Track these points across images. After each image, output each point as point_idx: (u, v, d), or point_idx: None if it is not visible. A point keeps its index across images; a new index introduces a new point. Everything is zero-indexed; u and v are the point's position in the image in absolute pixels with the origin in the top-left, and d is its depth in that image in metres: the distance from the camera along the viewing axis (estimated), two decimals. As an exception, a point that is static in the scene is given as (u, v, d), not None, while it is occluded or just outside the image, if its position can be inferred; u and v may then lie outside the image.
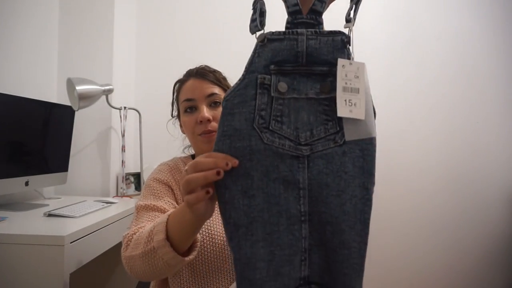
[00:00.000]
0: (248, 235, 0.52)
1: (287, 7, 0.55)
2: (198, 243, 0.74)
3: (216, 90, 0.94)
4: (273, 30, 0.56)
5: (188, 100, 0.94)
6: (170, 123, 1.15)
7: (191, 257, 0.70)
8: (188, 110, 0.94)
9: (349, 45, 0.54)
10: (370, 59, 2.27)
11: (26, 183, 1.51)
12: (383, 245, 2.20)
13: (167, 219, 0.68)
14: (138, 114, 2.05)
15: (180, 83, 1.00)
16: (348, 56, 0.54)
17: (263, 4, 0.58)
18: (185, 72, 1.01)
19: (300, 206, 0.54)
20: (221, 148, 0.54)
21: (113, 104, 1.88)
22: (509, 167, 2.20)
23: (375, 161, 0.55)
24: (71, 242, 1.11)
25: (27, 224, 1.26)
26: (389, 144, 2.20)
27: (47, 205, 1.56)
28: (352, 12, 0.57)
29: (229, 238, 0.54)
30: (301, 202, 0.54)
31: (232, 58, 2.22)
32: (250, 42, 2.25)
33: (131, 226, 0.85)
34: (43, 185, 1.74)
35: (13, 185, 1.45)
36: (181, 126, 1.04)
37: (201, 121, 0.90)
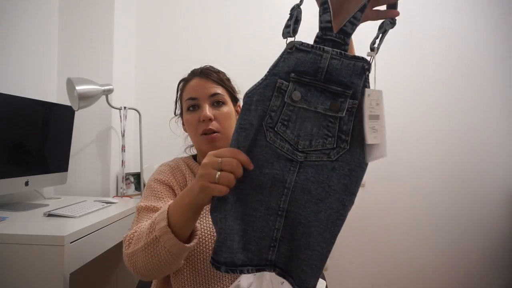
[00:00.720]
0: (232, 211, 0.60)
1: (320, 22, 0.58)
2: (198, 232, 0.75)
3: (219, 90, 0.95)
4: (303, 41, 0.59)
5: (191, 98, 0.94)
6: (172, 121, 1.16)
7: (192, 243, 0.71)
8: (191, 108, 0.94)
9: (369, 72, 0.58)
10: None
11: (26, 183, 1.51)
12: (381, 243, 2.20)
13: (168, 208, 0.70)
14: (138, 114, 2.05)
15: (184, 81, 1.00)
16: (365, 82, 0.58)
17: (300, 12, 0.60)
18: (189, 72, 1.02)
19: (280, 202, 0.60)
20: (238, 139, 0.60)
21: (113, 104, 1.88)
22: (508, 166, 2.20)
23: (359, 184, 0.60)
24: (71, 242, 1.11)
25: (27, 224, 1.26)
26: (388, 143, 2.20)
27: (47, 205, 1.56)
28: (377, 40, 0.60)
29: (217, 210, 0.60)
30: (282, 199, 0.60)
31: (233, 58, 2.23)
32: (250, 42, 2.27)
33: (132, 227, 0.85)
34: (43, 185, 1.74)
35: (13, 185, 1.45)
36: (183, 124, 1.04)
37: (203, 120, 0.91)
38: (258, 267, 0.63)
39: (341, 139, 0.58)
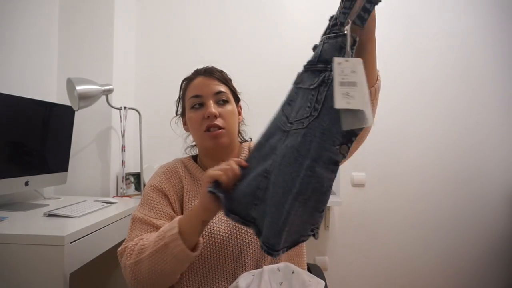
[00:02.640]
0: (243, 175, 0.74)
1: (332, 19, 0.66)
2: (201, 244, 0.80)
3: (223, 88, 0.97)
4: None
5: (196, 96, 0.95)
6: (172, 121, 1.17)
7: (196, 253, 0.78)
8: (196, 106, 0.95)
9: (345, 46, 0.60)
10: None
11: (26, 183, 1.51)
12: (381, 243, 2.20)
13: (178, 219, 0.78)
14: (138, 114, 2.05)
15: (188, 81, 1.01)
16: (343, 55, 0.60)
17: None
18: (192, 71, 1.03)
19: (269, 167, 0.70)
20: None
21: (113, 104, 1.88)
22: (507, 166, 2.20)
23: (324, 152, 0.61)
24: (71, 242, 1.11)
25: (27, 224, 1.26)
26: (387, 143, 2.21)
27: (47, 205, 1.56)
28: (341, 14, 0.62)
29: None
30: (270, 164, 0.70)
31: (233, 58, 2.23)
32: (250, 41, 2.27)
33: (128, 236, 0.90)
34: (43, 185, 1.74)
35: (13, 185, 1.45)
36: (184, 124, 1.05)
37: (208, 116, 0.92)
38: (244, 221, 0.71)
39: (314, 108, 0.63)
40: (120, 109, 1.95)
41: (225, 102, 0.96)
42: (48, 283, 1.07)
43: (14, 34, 1.66)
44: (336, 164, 0.60)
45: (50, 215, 1.34)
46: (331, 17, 0.65)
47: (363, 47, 0.63)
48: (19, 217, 1.34)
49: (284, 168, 0.65)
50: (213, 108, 0.92)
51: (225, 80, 0.99)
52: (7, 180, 1.41)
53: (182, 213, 0.94)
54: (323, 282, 0.82)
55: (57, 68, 1.96)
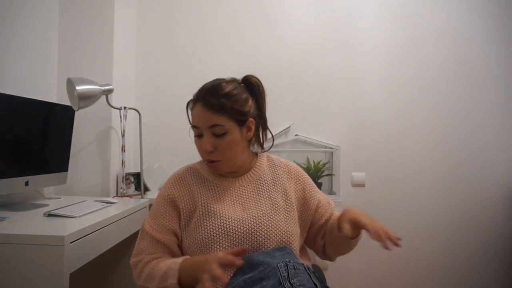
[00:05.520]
0: None
1: None
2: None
3: (220, 120, 0.94)
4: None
5: (194, 127, 0.98)
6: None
7: None
8: (196, 135, 0.99)
9: None
10: (369, 58, 2.29)
11: (26, 183, 1.51)
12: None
13: (178, 268, 0.88)
14: (138, 114, 2.05)
15: (191, 103, 1.02)
16: None
17: None
18: (197, 91, 1.01)
19: None
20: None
21: (113, 104, 1.88)
22: (508, 167, 2.20)
23: None
24: (71, 242, 1.11)
25: (27, 224, 1.26)
26: (387, 143, 2.21)
27: (47, 205, 1.56)
28: None
29: None
30: None
31: (233, 57, 2.23)
32: (250, 42, 2.27)
33: (137, 245, 1.01)
34: (43, 185, 1.74)
35: (13, 185, 1.45)
36: None
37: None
38: None
39: None
40: (120, 109, 1.95)
41: (222, 134, 0.95)
42: (48, 283, 1.07)
43: (14, 34, 1.66)
44: None
45: (50, 215, 1.34)
46: None
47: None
48: (19, 217, 1.34)
49: None
50: (207, 143, 0.95)
51: (223, 108, 0.94)
52: (7, 180, 1.41)
53: (192, 218, 0.99)
54: None
55: (57, 68, 1.96)
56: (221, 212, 0.96)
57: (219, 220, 0.94)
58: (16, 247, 1.08)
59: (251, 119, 1.00)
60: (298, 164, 2.25)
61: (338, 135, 2.21)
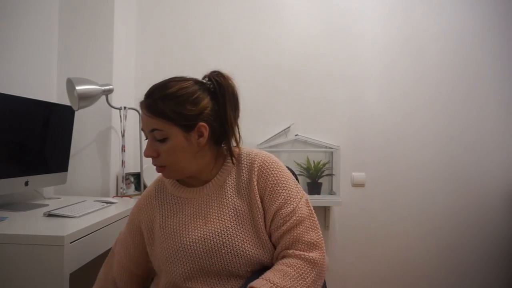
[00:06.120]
0: None
1: None
2: None
3: (160, 125, 0.84)
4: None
5: (142, 129, 0.91)
6: None
7: None
8: (145, 138, 0.91)
9: None
10: (369, 58, 2.29)
11: (26, 183, 1.51)
12: (381, 243, 2.20)
13: None
14: (138, 114, 2.05)
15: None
16: None
17: None
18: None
19: None
20: None
21: (113, 104, 1.88)
22: (507, 166, 2.20)
23: None
24: (71, 242, 1.11)
25: (27, 224, 1.26)
26: (387, 143, 2.21)
27: (47, 205, 1.56)
28: None
29: None
30: None
31: (232, 57, 2.23)
32: (249, 41, 2.27)
33: (115, 242, 1.03)
34: (43, 185, 1.74)
35: (13, 185, 1.45)
36: None
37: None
38: None
39: None
40: (120, 109, 1.95)
41: (163, 139, 0.85)
42: (48, 283, 1.07)
43: (14, 34, 1.66)
44: None
45: (50, 215, 1.34)
46: None
47: None
48: (19, 217, 1.34)
49: None
50: (148, 148, 0.87)
51: (161, 111, 0.84)
52: (7, 180, 1.40)
53: (154, 240, 0.93)
54: None
55: (57, 68, 1.96)
56: (179, 230, 0.88)
57: (178, 240, 0.86)
58: (16, 247, 1.08)
59: (202, 123, 0.86)
60: (298, 164, 2.28)
61: (338, 135, 2.21)
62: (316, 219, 0.88)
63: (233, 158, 0.92)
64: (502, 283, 2.18)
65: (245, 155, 0.94)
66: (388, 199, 2.21)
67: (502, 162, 2.20)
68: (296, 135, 2.19)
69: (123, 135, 2.00)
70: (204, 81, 0.91)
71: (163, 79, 0.91)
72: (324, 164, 2.16)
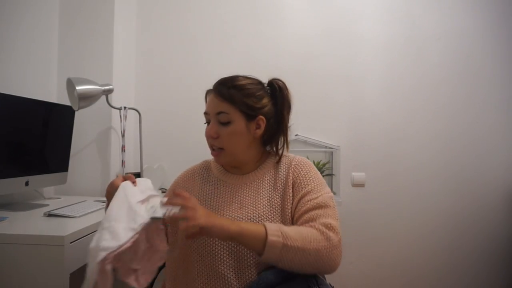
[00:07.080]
0: None
1: None
2: None
3: (226, 108, 0.94)
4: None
5: (205, 113, 0.99)
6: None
7: None
8: (205, 122, 1.00)
9: None
10: (369, 58, 2.29)
11: (26, 183, 1.51)
12: (381, 243, 2.20)
13: None
14: (138, 114, 2.05)
15: (207, 93, 1.03)
16: None
17: None
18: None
19: None
20: None
21: (113, 104, 1.88)
22: (508, 166, 2.20)
23: None
24: (71, 242, 1.11)
25: (27, 224, 1.26)
26: (387, 143, 2.21)
27: (47, 205, 1.56)
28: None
29: None
30: None
31: (233, 57, 2.23)
32: (250, 43, 2.27)
33: None
34: (43, 185, 1.74)
35: (13, 185, 1.45)
36: None
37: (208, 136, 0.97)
38: None
39: None
40: (120, 109, 1.95)
41: (227, 123, 0.94)
42: (48, 283, 1.07)
43: (14, 34, 1.67)
44: None
45: (50, 215, 1.34)
46: None
47: None
48: (19, 217, 1.34)
49: None
50: (211, 129, 0.96)
51: (232, 98, 0.94)
52: (7, 180, 1.41)
53: None
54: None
55: (57, 68, 1.96)
56: (216, 207, 0.96)
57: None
58: (16, 247, 1.08)
59: (261, 116, 0.97)
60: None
61: (338, 135, 2.21)
62: (337, 213, 0.93)
63: (278, 157, 1.03)
64: (502, 283, 2.18)
65: (285, 157, 1.05)
66: (388, 199, 2.20)
67: (502, 162, 2.20)
68: (296, 135, 2.19)
69: (123, 135, 2.00)
70: (265, 84, 1.03)
71: (230, 75, 1.01)
72: (324, 164, 2.16)
